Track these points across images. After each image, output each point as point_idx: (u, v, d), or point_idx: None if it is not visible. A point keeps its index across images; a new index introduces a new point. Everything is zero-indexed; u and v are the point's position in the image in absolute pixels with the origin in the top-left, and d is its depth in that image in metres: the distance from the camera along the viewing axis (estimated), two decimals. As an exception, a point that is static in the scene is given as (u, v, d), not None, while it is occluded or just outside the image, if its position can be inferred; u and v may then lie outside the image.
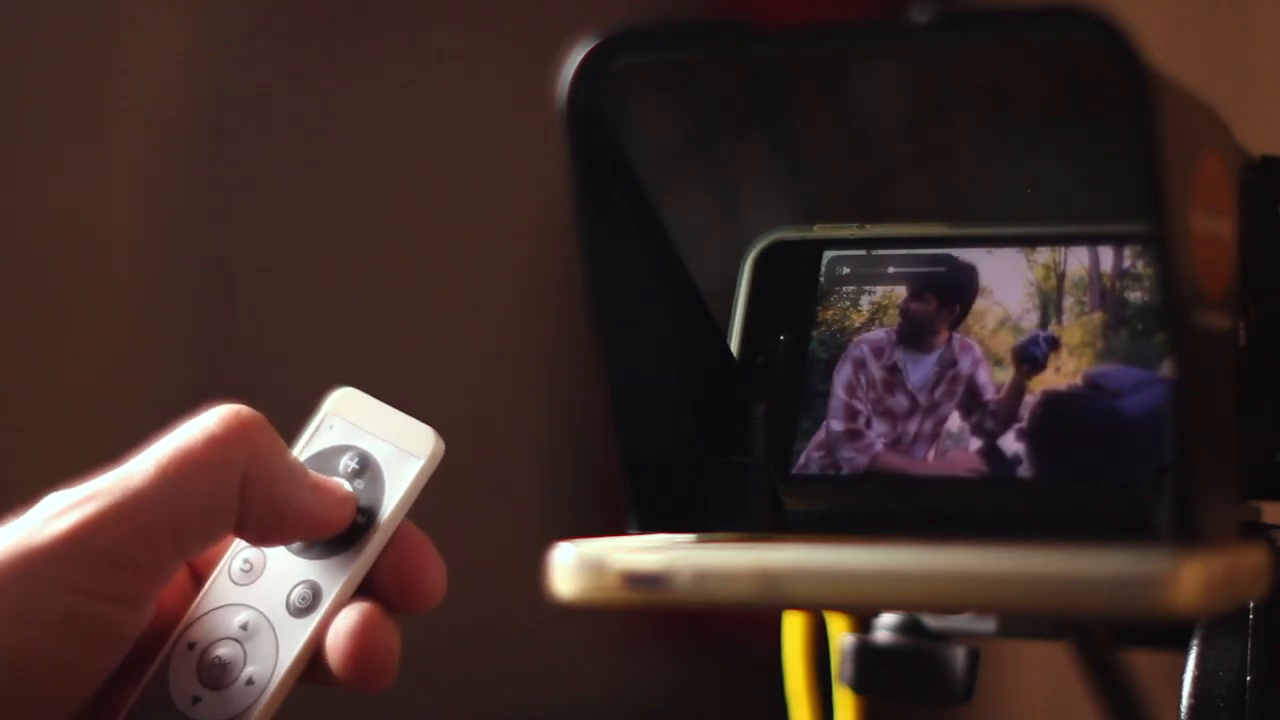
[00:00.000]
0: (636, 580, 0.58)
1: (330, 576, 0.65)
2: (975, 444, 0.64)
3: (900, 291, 0.67)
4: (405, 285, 1.97)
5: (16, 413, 1.85)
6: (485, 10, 2.00)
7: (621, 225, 0.64)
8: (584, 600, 0.58)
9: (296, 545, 0.65)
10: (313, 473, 0.65)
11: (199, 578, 0.66)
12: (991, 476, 0.64)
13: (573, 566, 0.59)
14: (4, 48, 1.85)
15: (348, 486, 0.65)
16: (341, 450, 0.66)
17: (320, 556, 0.65)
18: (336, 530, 0.65)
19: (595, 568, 0.58)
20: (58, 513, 0.61)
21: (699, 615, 1.85)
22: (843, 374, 0.66)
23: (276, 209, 1.96)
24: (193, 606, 0.65)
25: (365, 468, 0.66)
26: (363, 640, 0.63)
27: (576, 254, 0.63)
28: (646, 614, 1.63)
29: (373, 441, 0.66)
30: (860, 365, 0.66)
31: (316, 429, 0.67)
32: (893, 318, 0.67)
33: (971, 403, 0.64)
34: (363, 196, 1.97)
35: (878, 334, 0.67)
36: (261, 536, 0.64)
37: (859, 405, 0.66)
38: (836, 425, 0.66)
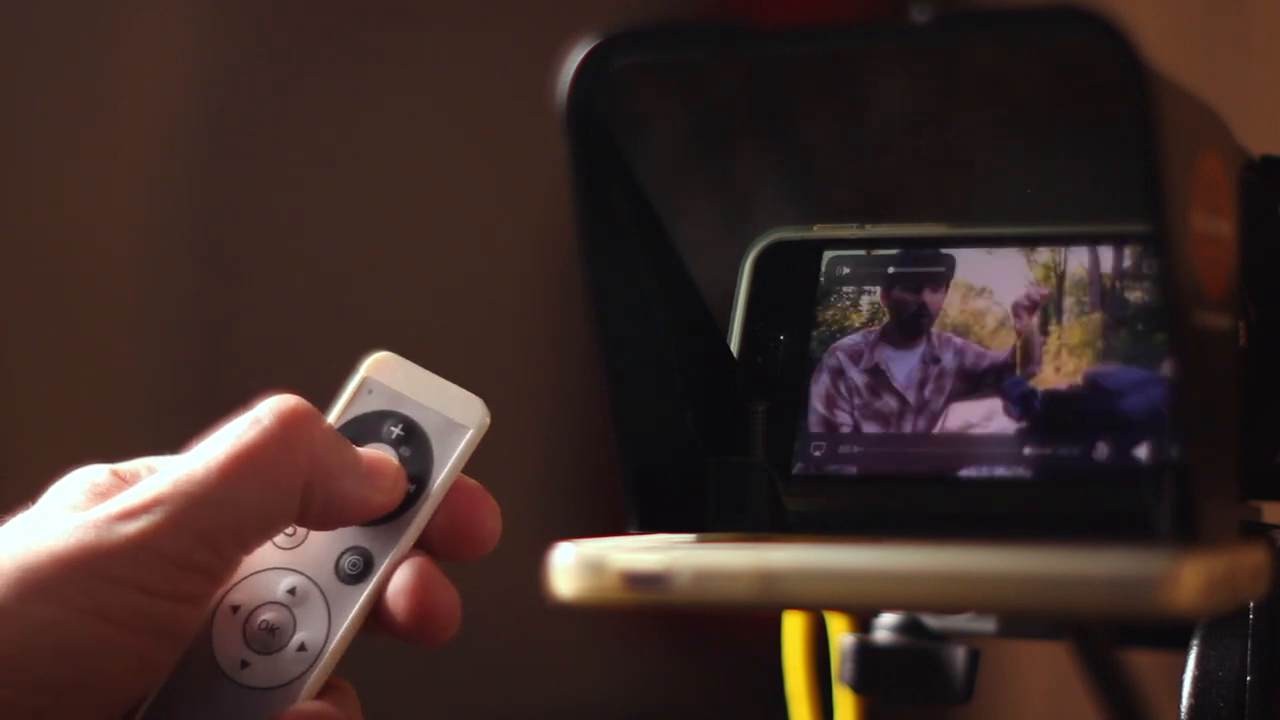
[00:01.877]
0: (636, 580, 0.58)
1: (381, 544, 0.64)
2: (975, 443, 0.64)
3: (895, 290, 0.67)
4: (405, 284, 1.97)
5: (18, 409, 1.85)
6: (486, 10, 2.00)
7: (621, 225, 0.64)
8: (584, 600, 0.58)
9: None
10: (364, 455, 0.64)
11: None
12: (991, 476, 0.64)
13: (573, 566, 0.59)
14: (4, 47, 1.85)
15: (394, 455, 0.65)
16: (383, 416, 0.66)
17: (370, 524, 0.65)
18: (389, 510, 0.65)
19: (595, 568, 0.58)
20: (121, 514, 0.61)
21: (699, 615, 1.85)
22: (820, 384, 0.66)
23: (277, 207, 1.96)
24: None
25: (411, 435, 0.65)
26: (423, 598, 0.64)
27: (576, 254, 0.63)
28: (646, 614, 1.63)
29: (416, 409, 0.66)
30: (838, 374, 0.66)
31: (354, 394, 0.66)
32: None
33: (973, 386, 0.64)
34: (363, 196, 1.97)
35: (854, 339, 0.67)
36: (316, 525, 0.64)
37: (841, 414, 0.66)
38: (817, 432, 0.66)
